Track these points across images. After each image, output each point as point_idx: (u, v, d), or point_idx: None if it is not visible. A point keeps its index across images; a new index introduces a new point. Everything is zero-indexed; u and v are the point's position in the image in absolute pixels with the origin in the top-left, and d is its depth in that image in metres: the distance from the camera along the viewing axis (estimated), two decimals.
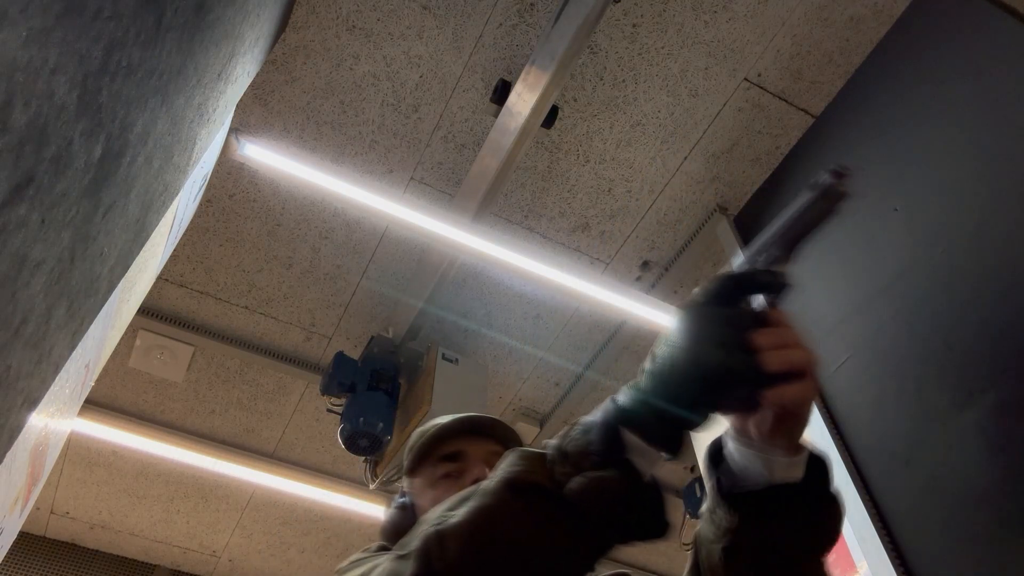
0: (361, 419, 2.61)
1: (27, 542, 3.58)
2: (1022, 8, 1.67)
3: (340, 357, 2.78)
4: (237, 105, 2.07)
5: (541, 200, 2.61)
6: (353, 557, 0.92)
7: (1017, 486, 1.30)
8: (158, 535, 3.71)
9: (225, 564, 3.89)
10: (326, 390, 2.74)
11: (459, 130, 2.43)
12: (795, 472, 0.61)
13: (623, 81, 2.32)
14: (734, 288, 0.58)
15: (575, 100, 2.36)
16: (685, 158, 2.50)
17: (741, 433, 0.62)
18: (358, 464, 2.88)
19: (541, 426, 3.29)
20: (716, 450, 0.66)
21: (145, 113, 0.97)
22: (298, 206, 2.58)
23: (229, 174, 2.49)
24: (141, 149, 1.03)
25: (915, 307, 1.65)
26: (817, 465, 0.63)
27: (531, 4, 2.16)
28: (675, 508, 3.22)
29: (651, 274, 2.81)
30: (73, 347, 1.10)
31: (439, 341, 2.95)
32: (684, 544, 2.87)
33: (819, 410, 1.79)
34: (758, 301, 0.60)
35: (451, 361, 2.82)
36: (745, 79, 2.31)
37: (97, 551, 3.77)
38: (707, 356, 0.54)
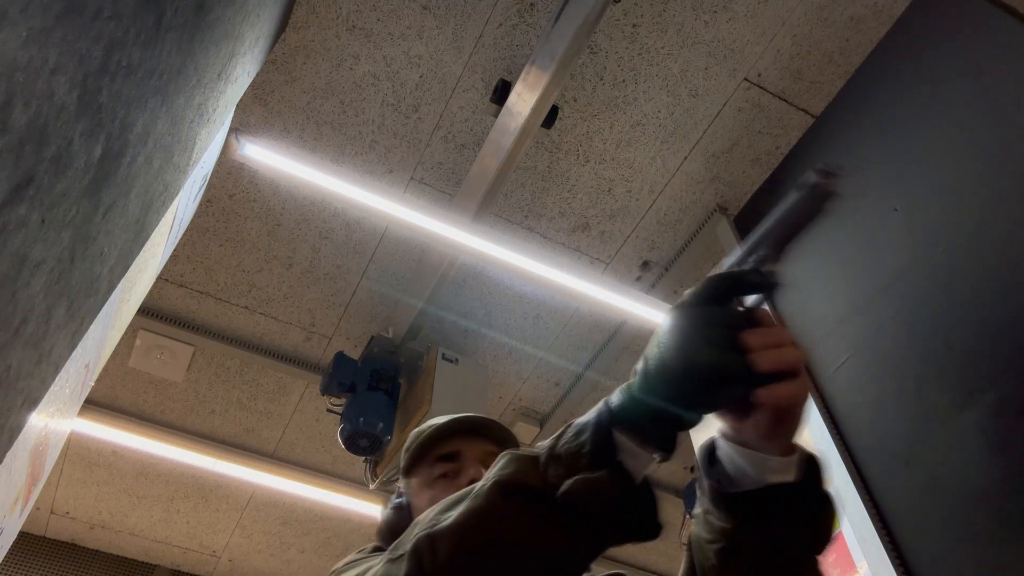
0: (361, 419, 2.61)
1: (27, 542, 3.58)
2: (1022, 8, 1.67)
3: (340, 357, 2.78)
4: (237, 105, 2.07)
5: (541, 200, 2.61)
6: (348, 558, 0.92)
7: (1017, 486, 1.30)
8: (158, 535, 3.71)
9: (225, 564, 3.89)
10: (326, 390, 2.74)
11: (459, 130, 2.43)
12: (788, 473, 0.61)
13: (623, 81, 2.32)
14: (724, 288, 0.58)
15: (575, 100, 2.36)
16: (685, 158, 2.50)
17: (734, 434, 0.62)
18: (358, 464, 2.88)
19: (541, 426, 3.29)
20: (709, 452, 0.66)
21: (145, 113, 0.97)
22: (298, 206, 2.58)
23: (229, 174, 2.49)
24: (141, 149, 1.03)
25: (915, 307, 1.65)
26: (811, 465, 0.63)
27: (531, 4, 2.16)
28: (675, 508, 3.23)
29: (651, 274, 2.81)
30: (73, 347, 1.10)
31: (439, 341, 2.95)
32: (684, 544, 2.86)
33: (819, 410, 1.79)
34: (749, 301, 0.61)
35: (451, 361, 2.82)
36: (745, 79, 2.31)
37: (97, 551, 3.77)
38: (698, 356, 0.54)
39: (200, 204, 2.51)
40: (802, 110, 2.38)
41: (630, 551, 3.67)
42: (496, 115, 2.22)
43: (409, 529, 0.63)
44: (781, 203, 0.59)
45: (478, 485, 0.60)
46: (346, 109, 2.38)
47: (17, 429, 0.99)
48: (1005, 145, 1.57)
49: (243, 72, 1.71)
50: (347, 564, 0.89)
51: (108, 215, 0.99)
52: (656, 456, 0.57)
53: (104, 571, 3.72)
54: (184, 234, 2.50)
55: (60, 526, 3.65)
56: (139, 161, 1.04)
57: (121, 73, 0.82)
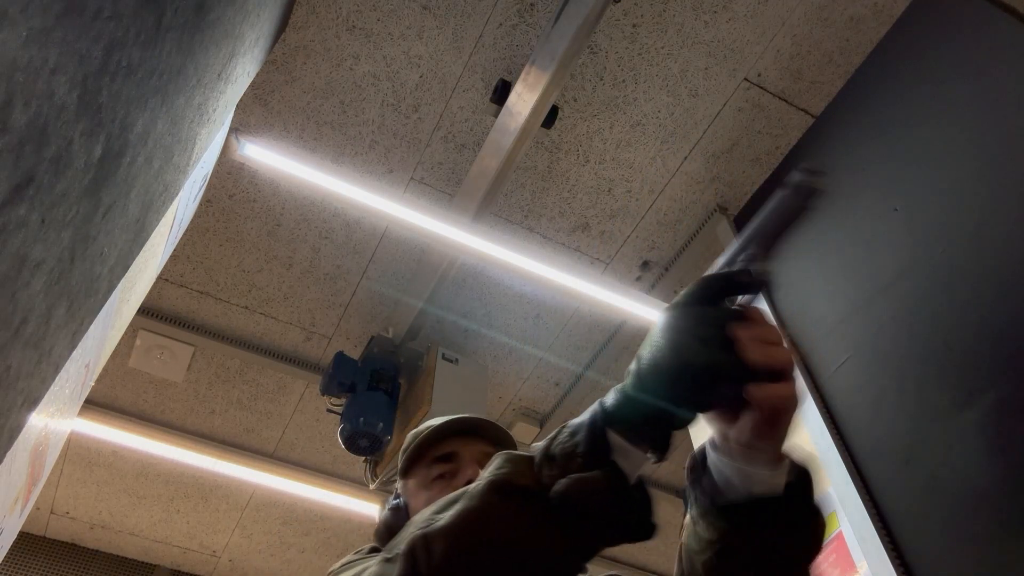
0: (361, 419, 2.61)
1: (27, 542, 3.58)
2: (1022, 8, 1.67)
3: (340, 357, 2.78)
4: (237, 105, 2.07)
5: (541, 200, 2.61)
6: (345, 559, 0.92)
7: (1017, 486, 1.30)
8: (158, 535, 3.72)
9: (225, 564, 3.89)
10: (326, 390, 2.74)
11: (459, 130, 2.43)
12: (776, 485, 0.61)
13: (623, 81, 2.32)
14: (716, 288, 0.59)
15: (575, 100, 2.36)
16: (685, 158, 2.50)
17: (722, 443, 0.62)
18: (358, 464, 2.88)
19: (541, 426, 3.29)
20: (699, 461, 0.66)
21: (145, 113, 0.97)
22: (298, 206, 2.59)
23: (229, 174, 2.49)
24: (141, 149, 1.03)
25: (915, 307, 1.65)
26: (801, 477, 0.63)
27: (531, 4, 2.16)
28: (675, 508, 3.23)
29: (651, 274, 2.81)
30: (73, 347, 1.10)
31: (439, 341, 2.95)
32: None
33: (819, 410, 1.79)
34: (741, 300, 0.61)
35: (451, 361, 2.82)
36: (745, 79, 2.31)
37: (97, 551, 3.77)
38: (691, 355, 0.55)
39: (200, 204, 2.51)
40: (802, 110, 2.38)
41: (630, 551, 3.67)
42: (496, 115, 2.22)
43: (404, 529, 0.63)
44: (767, 202, 0.60)
45: (473, 485, 0.60)
46: (346, 109, 2.38)
47: (17, 429, 0.99)
48: (1005, 145, 1.57)
49: (243, 72, 1.71)
50: (344, 565, 0.89)
51: (108, 215, 0.99)
52: (650, 456, 0.57)
53: (104, 571, 3.72)
54: (184, 234, 2.50)
55: (60, 526, 3.65)
56: (139, 161, 1.04)
57: (121, 73, 0.82)
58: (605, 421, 0.57)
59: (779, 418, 0.59)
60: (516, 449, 0.63)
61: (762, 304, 2.11)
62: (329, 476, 3.42)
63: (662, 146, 2.47)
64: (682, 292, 0.59)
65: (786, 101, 2.36)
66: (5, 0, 0.54)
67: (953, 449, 1.44)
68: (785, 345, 0.58)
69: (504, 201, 2.60)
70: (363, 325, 2.94)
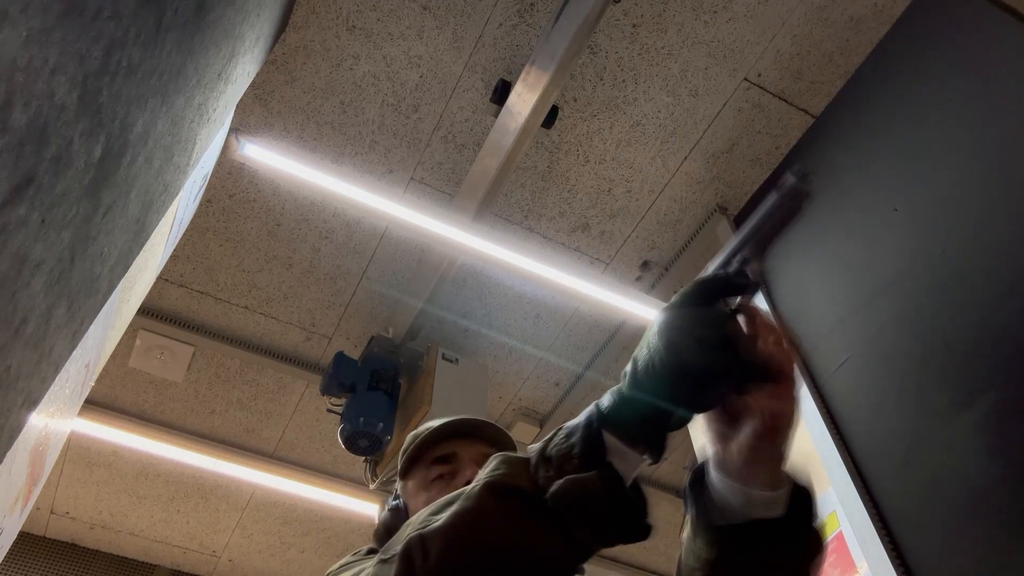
0: (361, 419, 2.61)
1: (27, 542, 3.57)
2: (1022, 8, 1.67)
3: (340, 357, 2.78)
4: (237, 105, 2.07)
5: (541, 200, 2.61)
6: (342, 560, 0.92)
7: (1017, 486, 1.30)
8: (158, 535, 3.71)
9: (225, 564, 3.89)
10: (326, 390, 2.74)
11: (459, 130, 2.43)
12: (774, 508, 0.61)
13: (623, 81, 2.32)
14: (711, 290, 0.60)
15: (575, 100, 2.36)
16: (685, 158, 2.50)
17: (721, 462, 0.62)
18: (358, 464, 2.88)
19: (541, 426, 3.29)
20: (698, 478, 0.66)
21: (145, 113, 0.97)
22: (298, 206, 2.58)
23: (229, 174, 2.49)
24: (141, 149, 1.03)
25: (915, 307, 1.65)
26: (801, 499, 0.63)
27: (531, 4, 2.16)
28: (676, 508, 3.23)
29: (651, 274, 2.81)
30: (73, 347, 1.10)
31: (439, 341, 2.95)
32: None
33: (819, 410, 1.79)
34: (735, 301, 0.62)
35: (451, 361, 2.82)
36: (745, 79, 2.31)
37: (97, 551, 3.77)
38: (687, 355, 0.55)
39: (200, 204, 2.51)
40: (802, 110, 2.38)
41: (630, 551, 3.67)
42: (496, 115, 2.22)
43: (401, 530, 0.63)
44: (760, 205, 0.61)
45: (469, 487, 0.60)
46: (346, 109, 2.38)
47: (17, 429, 0.99)
48: (1005, 145, 1.57)
49: (243, 72, 1.71)
50: (341, 567, 0.89)
51: (108, 215, 0.99)
52: (646, 458, 0.58)
53: (104, 571, 3.72)
54: (184, 234, 2.50)
55: (60, 526, 3.65)
56: (139, 161, 1.04)
57: (121, 73, 0.82)
58: (601, 423, 0.58)
59: (777, 430, 0.59)
60: (515, 450, 0.63)
61: (762, 304, 2.11)
62: (329, 476, 3.41)
63: (662, 146, 2.47)
64: (678, 294, 0.60)
65: (786, 101, 2.36)
66: (5, 0, 0.54)
67: (953, 449, 1.44)
68: (785, 344, 0.58)
69: (504, 201, 2.60)
70: (363, 325, 2.94)
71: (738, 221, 2.56)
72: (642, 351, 0.58)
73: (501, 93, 2.20)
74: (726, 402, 0.59)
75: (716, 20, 2.19)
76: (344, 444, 2.63)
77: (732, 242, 0.63)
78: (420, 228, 2.41)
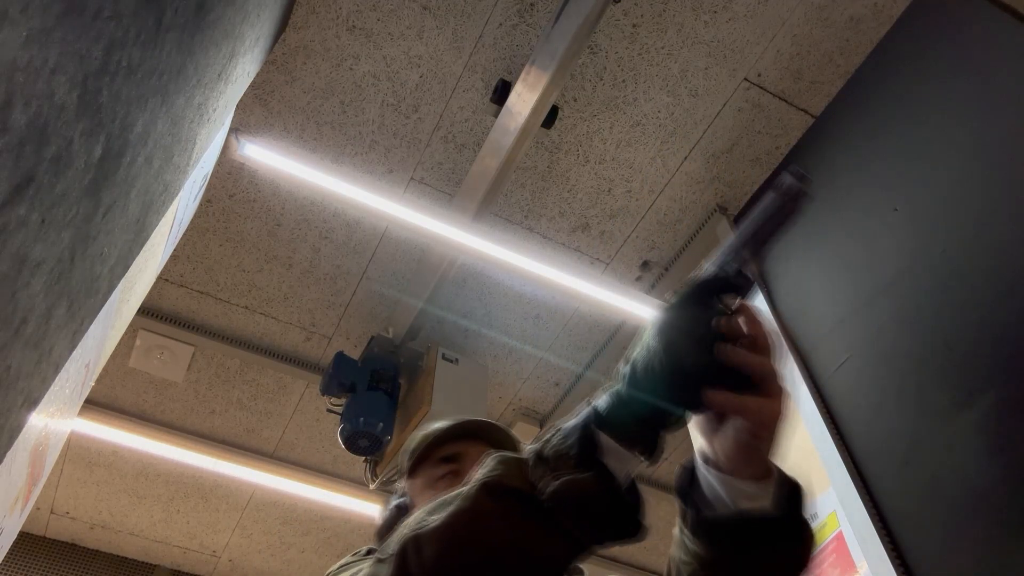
0: (361, 419, 2.61)
1: (27, 542, 3.58)
2: (1022, 8, 1.67)
3: (340, 357, 2.78)
4: (237, 105, 2.07)
5: (541, 200, 2.61)
6: (342, 561, 0.93)
7: (1017, 486, 1.30)
8: (158, 535, 3.71)
9: (225, 564, 3.89)
10: (326, 390, 2.74)
11: (459, 130, 2.43)
12: (762, 501, 0.61)
13: (623, 81, 2.32)
14: (707, 290, 0.60)
15: (575, 100, 2.36)
16: (685, 158, 2.50)
17: (710, 455, 0.63)
18: (358, 464, 2.88)
19: (541, 426, 3.29)
20: (688, 473, 0.66)
21: (145, 113, 0.97)
22: (298, 206, 2.59)
23: (229, 174, 2.49)
24: (141, 149, 1.03)
25: (915, 307, 1.65)
26: (790, 492, 0.63)
27: (531, 4, 2.16)
28: (675, 507, 3.22)
29: (651, 274, 2.81)
30: (73, 347, 1.10)
31: (439, 341, 2.95)
32: None
33: (819, 410, 1.79)
34: (731, 301, 0.63)
35: (451, 361, 2.82)
36: (745, 79, 2.31)
37: (97, 551, 3.77)
38: (683, 354, 0.56)
39: (200, 204, 2.51)
40: (802, 110, 2.38)
41: (630, 551, 3.67)
42: (496, 115, 2.22)
43: (398, 530, 0.64)
44: (757, 205, 0.62)
45: (466, 488, 0.60)
46: (346, 109, 2.38)
47: (17, 429, 0.99)
48: (1005, 145, 1.57)
49: (243, 72, 1.71)
50: (341, 567, 0.90)
51: (108, 215, 0.99)
52: (642, 458, 0.58)
53: (104, 571, 3.72)
54: (184, 234, 2.50)
55: (60, 526, 3.65)
56: (139, 161, 1.04)
57: (121, 73, 0.82)
58: (596, 423, 0.58)
59: (764, 428, 0.59)
60: (520, 453, 0.64)
61: (762, 304, 2.11)
62: (329, 476, 3.41)
63: (662, 146, 2.47)
64: (674, 294, 0.60)
65: (786, 101, 2.36)
66: (5, 0, 0.54)
67: (953, 449, 1.44)
68: (775, 347, 0.60)
69: (504, 201, 2.60)
70: (363, 325, 2.94)
71: (738, 221, 2.56)
72: (639, 351, 0.59)
73: (501, 93, 2.20)
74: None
75: (716, 20, 2.19)
76: (344, 444, 2.63)
77: (729, 241, 0.64)
78: (420, 228, 2.41)
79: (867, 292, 1.80)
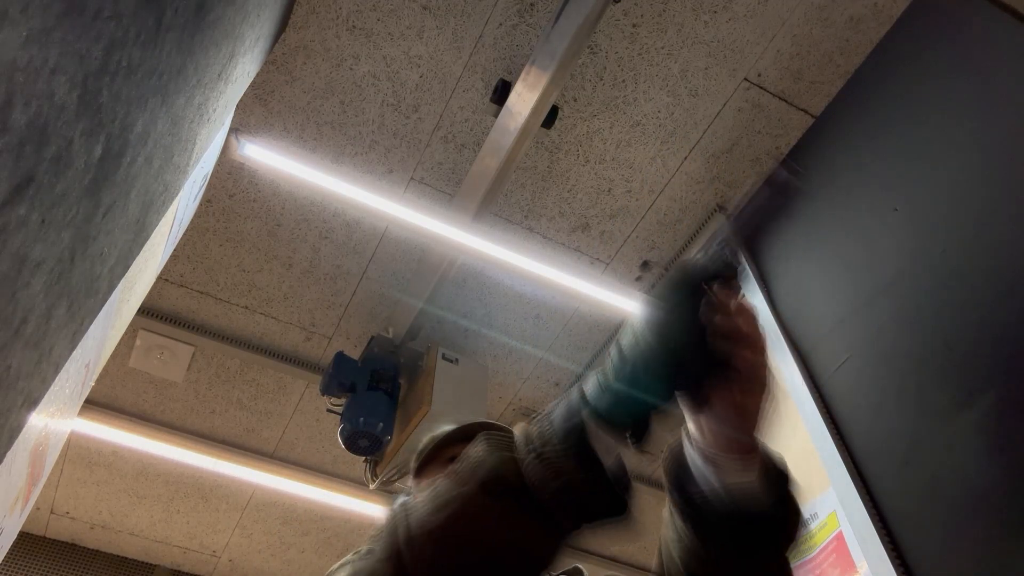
0: (361, 419, 2.61)
1: (27, 542, 3.57)
2: (1022, 8, 1.67)
3: (340, 357, 2.77)
4: (237, 105, 2.07)
5: (541, 200, 2.61)
6: (343, 559, 0.93)
7: (1017, 486, 1.30)
8: (158, 535, 3.71)
9: (225, 564, 3.89)
10: (326, 390, 2.74)
11: (459, 130, 2.43)
12: (748, 476, 0.62)
13: (623, 81, 2.32)
14: (694, 275, 0.62)
15: (575, 100, 2.36)
16: (685, 158, 2.50)
17: (696, 433, 0.64)
18: (358, 464, 2.88)
19: None
20: (676, 455, 0.68)
21: (145, 113, 0.97)
22: (298, 206, 2.58)
23: (229, 174, 2.49)
24: (141, 149, 1.03)
25: (915, 307, 1.65)
26: (776, 468, 0.64)
27: (531, 4, 2.16)
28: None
29: (651, 274, 2.81)
30: (73, 347, 1.10)
31: (439, 341, 2.95)
32: None
33: (819, 410, 1.79)
34: (719, 286, 0.65)
35: (451, 361, 2.82)
36: (745, 79, 2.31)
37: (97, 551, 3.77)
38: (670, 336, 0.58)
39: (200, 204, 2.51)
40: (802, 110, 2.38)
41: (630, 551, 3.67)
42: (496, 115, 2.22)
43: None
44: (750, 196, 0.65)
45: (448, 483, 0.61)
46: (346, 109, 2.38)
47: (17, 429, 0.99)
48: (1005, 145, 1.57)
49: (243, 72, 1.71)
50: (341, 565, 0.90)
51: (108, 215, 0.99)
52: (630, 441, 0.59)
53: (104, 571, 3.72)
54: (184, 234, 2.50)
55: (60, 526, 3.65)
56: (139, 161, 1.04)
57: (121, 73, 0.82)
58: (584, 407, 0.59)
59: (749, 404, 0.61)
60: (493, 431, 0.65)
61: (762, 304, 2.11)
62: (329, 476, 3.41)
63: (662, 146, 2.47)
64: (662, 280, 0.62)
65: (786, 101, 2.36)
66: (5, 0, 0.54)
67: (953, 449, 1.44)
68: (758, 323, 0.62)
69: (504, 201, 2.60)
70: (363, 325, 2.94)
71: (737, 221, 2.56)
72: (626, 335, 0.60)
73: (501, 93, 2.20)
74: (704, 381, 0.61)
75: (716, 20, 2.19)
76: (344, 444, 2.63)
77: (720, 230, 0.66)
78: (420, 228, 2.41)
79: (867, 292, 1.80)
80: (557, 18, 1.99)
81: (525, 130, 2.19)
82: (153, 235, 1.40)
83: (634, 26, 2.20)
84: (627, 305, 2.62)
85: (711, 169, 2.52)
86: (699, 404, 0.63)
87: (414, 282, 2.72)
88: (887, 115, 1.98)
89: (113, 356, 2.58)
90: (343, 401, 2.72)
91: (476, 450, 0.62)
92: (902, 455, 1.56)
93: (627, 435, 0.59)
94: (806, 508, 1.74)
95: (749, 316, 0.60)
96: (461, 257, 2.59)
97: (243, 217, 2.61)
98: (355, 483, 3.34)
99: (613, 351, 0.61)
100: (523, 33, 2.22)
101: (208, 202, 2.56)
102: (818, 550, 1.67)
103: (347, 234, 2.66)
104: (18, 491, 1.27)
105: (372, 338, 2.90)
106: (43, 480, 1.55)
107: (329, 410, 2.77)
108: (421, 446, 1.12)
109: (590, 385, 0.60)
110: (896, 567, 1.46)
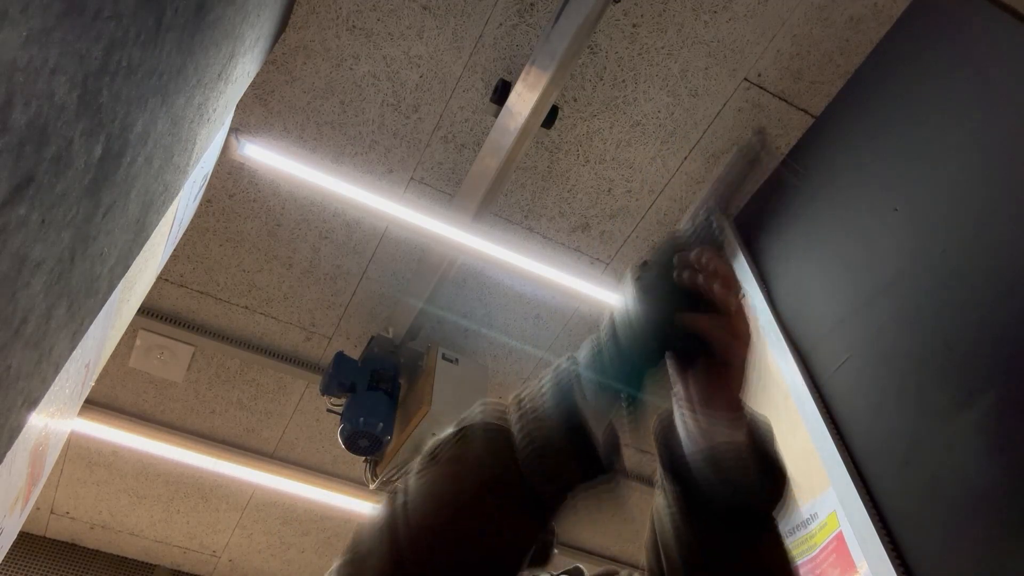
0: (361, 419, 2.61)
1: (27, 542, 3.58)
2: (1022, 8, 1.67)
3: (340, 357, 2.78)
4: (237, 105, 2.07)
5: (541, 200, 2.61)
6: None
7: (1017, 486, 1.30)
8: (158, 535, 3.71)
9: (225, 564, 3.89)
10: (326, 390, 2.74)
11: (459, 130, 2.43)
12: (735, 434, 0.63)
13: (623, 81, 2.32)
14: (679, 244, 0.66)
15: (575, 100, 2.36)
16: (685, 158, 2.50)
17: (683, 395, 0.66)
18: (358, 464, 2.88)
19: None
20: (665, 422, 0.69)
21: (145, 113, 0.97)
22: (298, 206, 2.58)
23: (229, 174, 2.49)
24: (141, 149, 1.03)
25: (915, 307, 1.65)
26: (759, 429, 0.66)
27: (531, 4, 2.16)
28: None
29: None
30: (73, 347, 1.10)
31: (439, 341, 2.95)
32: None
33: (819, 410, 1.79)
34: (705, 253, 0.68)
35: (451, 361, 2.82)
36: (745, 79, 2.31)
37: (97, 551, 3.77)
38: (653, 301, 0.61)
39: (200, 204, 2.51)
40: (802, 110, 2.38)
41: (630, 551, 3.67)
42: (496, 115, 2.22)
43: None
44: (724, 164, 0.69)
45: (464, 487, 0.60)
46: (346, 109, 2.38)
47: (17, 429, 0.99)
48: (1005, 145, 1.57)
49: (243, 72, 1.71)
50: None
51: (108, 215, 0.99)
52: (622, 404, 0.61)
53: (104, 571, 3.72)
54: (184, 234, 2.50)
55: (60, 526, 3.65)
56: (139, 161, 1.04)
57: (121, 73, 0.82)
58: (576, 373, 0.61)
59: (733, 356, 0.62)
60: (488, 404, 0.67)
61: (762, 304, 2.11)
62: (329, 476, 3.41)
63: (662, 146, 2.47)
64: (651, 253, 0.66)
65: (786, 101, 2.36)
66: (5, 0, 0.54)
67: (953, 449, 1.44)
68: (734, 285, 0.64)
69: (504, 201, 2.60)
70: (363, 325, 2.94)
71: (738, 221, 2.56)
72: (619, 306, 0.63)
73: (501, 93, 2.20)
74: (688, 344, 0.63)
75: (716, 20, 2.19)
76: (344, 444, 2.63)
77: (700, 199, 0.70)
78: (420, 228, 2.41)
79: (867, 292, 1.80)
80: (557, 18, 1.99)
81: (525, 130, 2.19)
82: (153, 235, 1.40)
83: (634, 26, 2.20)
84: None
85: (711, 169, 2.52)
86: (686, 363, 0.65)
87: (414, 282, 2.72)
88: (887, 115, 1.98)
89: (113, 356, 2.58)
90: (343, 401, 2.72)
91: (473, 412, 0.65)
92: (902, 455, 1.56)
93: (618, 399, 0.60)
94: (806, 508, 1.74)
95: (722, 260, 0.63)
96: (461, 257, 2.59)
97: (243, 217, 2.61)
98: (355, 483, 3.35)
99: (605, 319, 0.63)
100: (523, 33, 2.22)
101: (208, 202, 2.56)
102: (818, 550, 1.67)
103: (347, 234, 2.66)
104: (18, 491, 1.27)
105: (372, 338, 2.90)
106: (43, 480, 1.55)
107: (329, 410, 2.77)
108: (426, 447, 1.13)
109: (583, 351, 0.63)
110: (896, 567, 1.45)
